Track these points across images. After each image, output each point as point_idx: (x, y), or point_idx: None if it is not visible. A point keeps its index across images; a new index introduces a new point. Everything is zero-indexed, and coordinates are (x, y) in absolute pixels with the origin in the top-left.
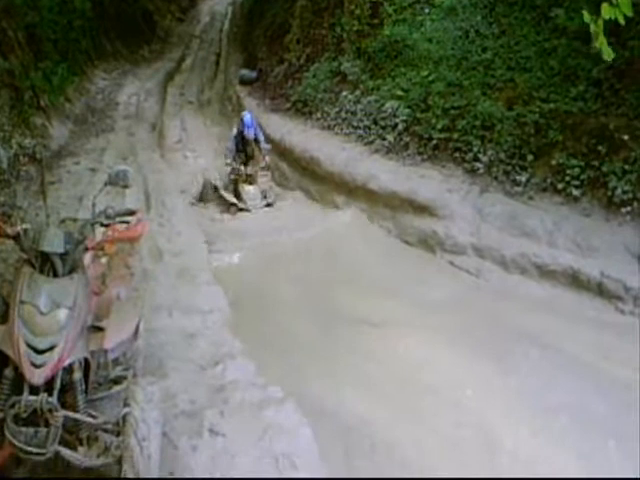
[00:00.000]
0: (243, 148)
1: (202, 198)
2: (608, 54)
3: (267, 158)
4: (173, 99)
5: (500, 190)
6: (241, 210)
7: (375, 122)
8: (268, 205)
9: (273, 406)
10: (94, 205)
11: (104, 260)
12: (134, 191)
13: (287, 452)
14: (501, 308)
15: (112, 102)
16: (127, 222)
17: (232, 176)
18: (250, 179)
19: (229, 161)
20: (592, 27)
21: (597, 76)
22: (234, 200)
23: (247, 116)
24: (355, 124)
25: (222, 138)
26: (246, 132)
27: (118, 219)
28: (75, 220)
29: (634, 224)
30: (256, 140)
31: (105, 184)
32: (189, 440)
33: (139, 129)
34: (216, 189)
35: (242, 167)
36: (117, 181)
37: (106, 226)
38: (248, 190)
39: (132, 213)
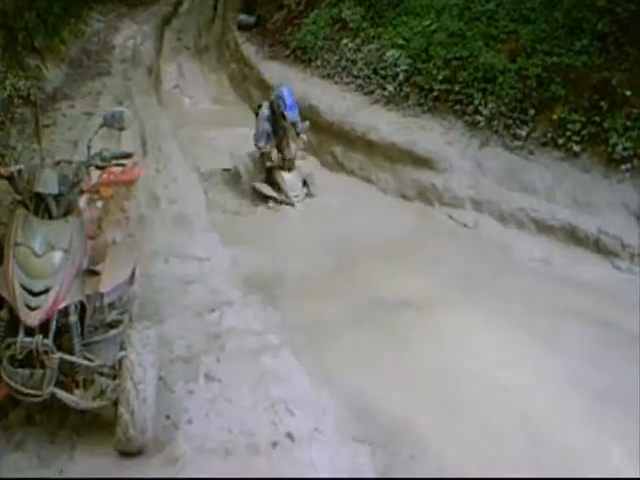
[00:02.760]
0: (275, 130)
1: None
2: None
3: (304, 137)
4: (170, 44)
5: (500, 144)
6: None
7: (375, 71)
8: (308, 195)
9: (270, 353)
10: (89, 147)
11: (100, 204)
12: (130, 136)
13: (283, 398)
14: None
15: (108, 45)
16: (123, 165)
17: (268, 163)
18: (289, 164)
19: (262, 144)
20: None
21: (602, 30)
22: (272, 193)
23: (285, 92)
24: (355, 73)
25: (220, 84)
26: (288, 113)
27: (114, 162)
28: (70, 162)
29: (633, 181)
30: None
31: (101, 125)
32: (185, 384)
33: (135, 73)
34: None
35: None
36: (113, 123)
37: (101, 169)
38: (288, 179)
39: (128, 156)
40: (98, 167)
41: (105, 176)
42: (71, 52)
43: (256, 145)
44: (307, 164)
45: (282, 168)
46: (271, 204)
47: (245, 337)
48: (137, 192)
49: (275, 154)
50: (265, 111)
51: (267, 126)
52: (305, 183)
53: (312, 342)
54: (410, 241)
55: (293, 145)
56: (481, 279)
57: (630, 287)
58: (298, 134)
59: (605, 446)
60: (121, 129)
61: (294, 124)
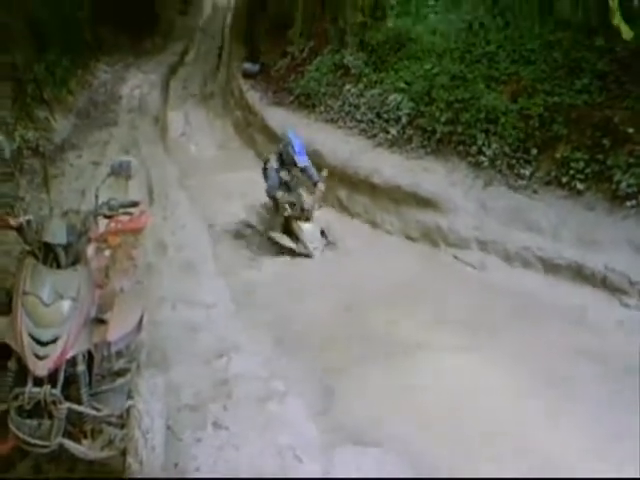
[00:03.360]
0: (284, 180)
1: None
2: (627, 32)
3: (322, 185)
4: (176, 92)
5: (504, 184)
6: (292, 253)
7: (378, 115)
8: (327, 245)
9: (276, 399)
10: (97, 197)
11: (107, 252)
12: (137, 184)
13: (291, 444)
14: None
15: (115, 95)
16: (130, 214)
17: (285, 213)
18: (307, 214)
19: (280, 195)
20: (610, 2)
21: (602, 69)
22: (291, 244)
23: (293, 138)
24: (358, 117)
25: (225, 131)
26: (298, 160)
27: (121, 210)
28: (78, 212)
29: (638, 218)
30: (303, 169)
31: (108, 175)
32: (193, 432)
33: (142, 122)
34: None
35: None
36: (120, 172)
37: (109, 218)
38: (307, 229)
39: (135, 204)
40: (106, 216)
41: (113, 225)
42: (79, 103)
43: (271, 196)
44: (323, 213)
45: (299, 219)
46: (287, 256)
47: (252, 383)
48: (144, 240)
49: (295, 203)
50: (273, 163)
51: (274, 179)
52: (323, 233)
53: (318, 387)
54: (416, 284)
55: (310, 195)
56: (489, 322)
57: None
58: (315, 184)
59: None
60: (128, 178)
61: (306, 172)
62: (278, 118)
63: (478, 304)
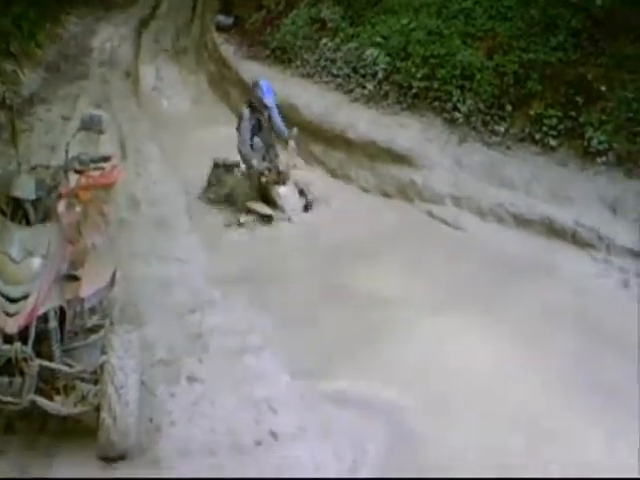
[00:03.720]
0: (258, 134)
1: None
2: None
3: (292, 143)
4: (148, 46)
5: (479, 140)
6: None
7: (355, 70)
8: (307, 207)
9: (252, 353)
10: (67, 151)
11: (78, 208)
12: (109, 139)
13: (266, 397)
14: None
15: (85, 49)
16: (101, 168)
17: (263, 179)
18: (283, 177)
19: (255, 164)
20: None
21: (576, 26)
22: (268, 211)
23: (262, 82)
24: (335, 72)
25: (199, 86)
26: (265, 98)
27: (92, 165)
28: (47, 167)
29: (609, 174)
30: (269, 117)
31: (78, 129)
32: (167, 387)
33: (113, 76)
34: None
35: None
36: (91, 126)
37: (80, 173)
38: (285, 194)
39: (106, 159)
40: (76, 171)
41: (83, 180)
42: (48, 56)
43: (243, 157)
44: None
45: (277, 183)
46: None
47: (227, 338)
48: (117, 195)
49: (268, 169)
50: (245, 111)
51: (246, 133)
52: (302, 193)
53: (293, 341)
54: (391, 242)
55: (284, 155)
56: (461, 278)
57: (606, 277)
58: (286, 141)
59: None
60: (99, 132)
61: (274, 121)
62: (253, 72)
63: (452, 261)
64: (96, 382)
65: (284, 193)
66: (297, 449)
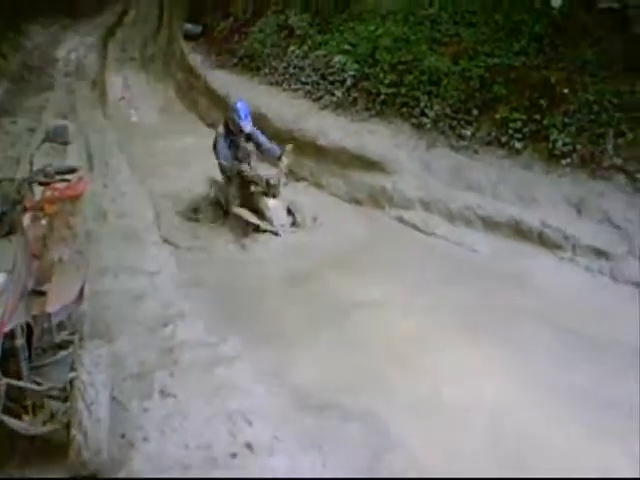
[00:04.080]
0: (234, 154)
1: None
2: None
3: (285, 159)
4: (115, 55)
5: (446, 144)
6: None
7: (323, 77)
8: (293, 224)
9: (224, 364)
10: (31, 163)
11: (44, 221)
12: (75, 151)
13: (240, 408)
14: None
15: (50, 59)
16: (67, 180)
17: (253, 188)
18: (274, 191)
19: (244, 168)
20: None
21: (539, 31)
22: (256, 220)
23: (240, 105)
24: (303, 79)
25: (166, 95)
26: (242, 124)
27: (58, 177)
28: (12, 180)
29: (573, 176)
30: (249, 138)
31: (43, 140)
32: (139, 402)
33: (80, 87)
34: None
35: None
36: (56, 137)
37: (45, 185)
38: (274, 206)
39: (72, 171)
40: (41, 183)
41: (49, 192)
42: (12, 66)
43: (227, 170)
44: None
45: (266, 194)
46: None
47: (199, 349)
48: (84, 208)
49: (262, 176)
50: (220, 130)
51: (224, 149)
52: (290, 212)
53: (266, 350)
54: (364, 248)
55: (275, 170)
56: (432, 280)
57: (572, 277)
58: (279, 157)
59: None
60: (64, 144)
61: (250, 139)
62: (221, 81)
63: (422, 264)
64: (66, 399)
65: (273, 206)
66: (273, 460)
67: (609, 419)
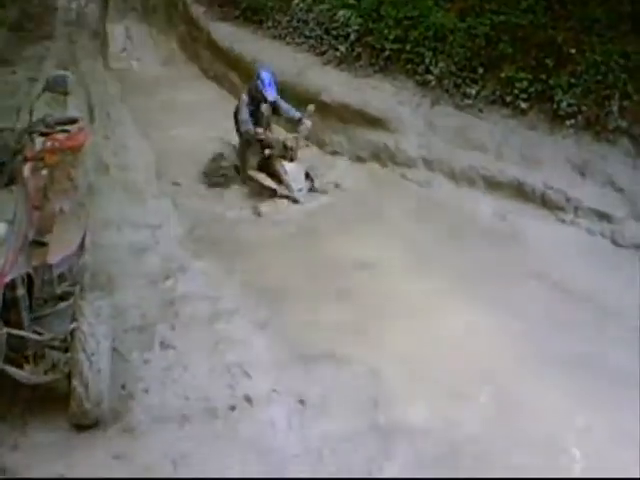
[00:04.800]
0: (255, 121)
1: (212, 178)
2: None
3: (307, 122)
4: (116, 5)
5: (450, 103)
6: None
7: (327, 32)
8: (311, 190)
9: (224, 318)
10: (31, 113)
11: (45, 172)
12: (76, 102)
13: (239, 361)
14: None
15: (50, 7)
16: (67, 131)
17: (268, 152)
18: (291, 154)
19: (259, 131)
20: None
21: None
22: (272, 184)
23: (264, 73)
24: (307, 33)
25: (169, 47)
26: (267, 92)
27: (58, 128)
28: (12, 130)
29: (577, 137)
30: (275, 107)
31: (43, 90)
32: (140, 354)
33: (80, 37)
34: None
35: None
36: (56, 87)
37: (45, 135)
38: (291, 169)
39: (73, 121)
40: (42, 134)
41: (49, 143)
42: (11, 15)
43: (245, 133)
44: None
45: (283, 157)
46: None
47: (200, 303)
48: (85, 159)
49: (278, 138)
50: (244, 97)
51: (245, 114)
52: (308, 176)
53: (267, 305)
54: (367, 206)
55: (294, 134)
56: (432, 239)
57: (574, 239)
58: (300, 120)
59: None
60: (65, 93)
61: (281, 109)
62: (224, 33)
63: (424, 224)
64: (66, 350)
65: (291, 169)
66: (272, 412)
67: (596, 382)
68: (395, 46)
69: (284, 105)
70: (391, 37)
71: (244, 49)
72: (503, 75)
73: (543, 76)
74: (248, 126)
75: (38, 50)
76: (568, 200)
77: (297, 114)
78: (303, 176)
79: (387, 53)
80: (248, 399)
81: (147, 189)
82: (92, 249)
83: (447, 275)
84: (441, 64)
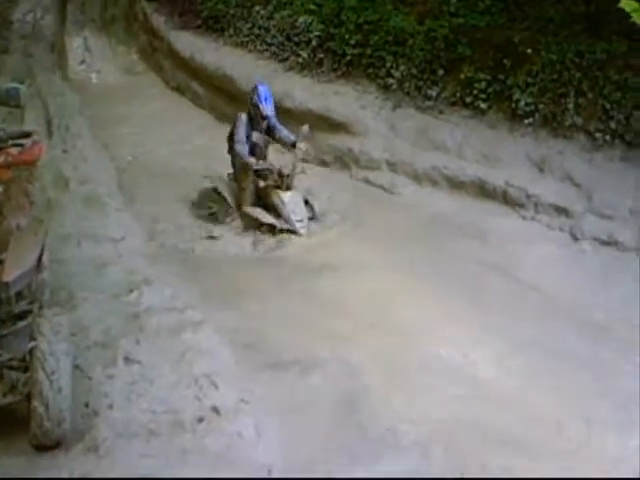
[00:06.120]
0: (251, 145)
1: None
2: None
3: (302, 145)
4: (74, 17)
5: (412, 105)
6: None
7: (289, 38)
8: (312, 218)
9: (190, 329)
10: None
11: (0, 188)
12: (33, 116)
13: (207, 372)
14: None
15: (5, 21)
16: (21, 145)
17: (262, 184)
18: (287, 182)
19: (254, 161)
20: None
21: None
22: (271, 220)
23: (261, 87)
24: (269, 40)
25: (129, 58)
26: (263, 106)
27: (11, 142)
28: None
29: (535, 135)
30: (269, 127)
31: None
32: (104, 370)
33: (37, 49)
34: (218, 193)
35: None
36: (8, 100)
37: None
38: (289, 200)
39: (27, 135)
40: None
41: (2, 157)
42: None
43: (240, 157)
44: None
45: (279, 188)
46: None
47: (165, 315)
48: (42, 174)
49: (274, 169)
50: (243, 117)
51: (242, 135)
52: (307, 203)
53: (234, 313)
54: (334, 209)
55: (290, 158)
56: (399, 239)
57: (534, 234)
58: (294, 144)
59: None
60: (17, 106)
61: (275, 128)
62: (185, 42)
63: (388, 224)
64: (26, 370)
65: (288, 200)
66: (240, 423)
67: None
68: (356, 51)
69: (278, 126)
70: (352, 42)
71: (206, 58)
72: (463, 76)
73: (501, 76)
74: (244, 151)
75: None
76: (528, 197)
77: (291, 138)
78: (303, 205)
79: (349, 58)
80: (216, 410)
81: (108, 202)
82: (53, 265)
83: (409, 271)
84: (402, 67)
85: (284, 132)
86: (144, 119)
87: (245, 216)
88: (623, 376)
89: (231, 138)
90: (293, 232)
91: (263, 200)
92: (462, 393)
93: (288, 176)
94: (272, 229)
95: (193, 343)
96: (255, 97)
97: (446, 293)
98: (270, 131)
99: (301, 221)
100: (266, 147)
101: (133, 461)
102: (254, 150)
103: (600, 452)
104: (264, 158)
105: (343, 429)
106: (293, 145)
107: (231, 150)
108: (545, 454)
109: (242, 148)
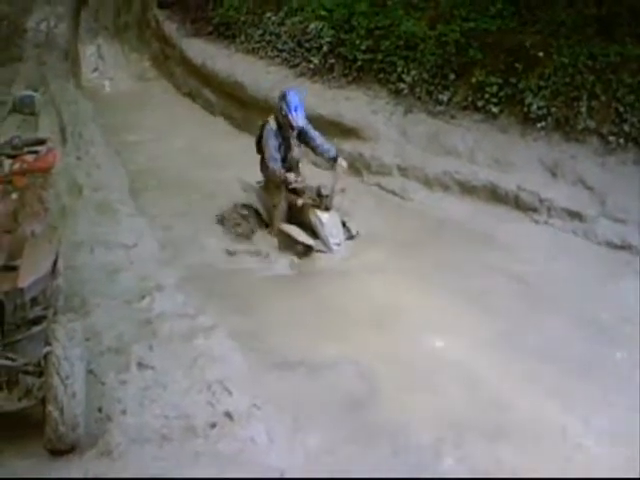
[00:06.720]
0: (283, 158)
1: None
2: None
3: (343, 162)
4: (87, 25)
5: (423, 110)
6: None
7: (300, 44)
8: (350, 238)
9: (203, 335)
10: None
11: (15, 195)
12: (47, 123)
13: (219, 378)
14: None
15: (19, 29)
16: (36, 152)
17: (300, 202)
18: (326, 202)
19: (292, 178)
20: None
21: None
22: (307, 240)
23: (291, 94)
24: (280, 47)
25: (142, 65)
26: (293, 117)
27: (26, 149)
28: None
29: (548, 139)
30: (301, 135)
31: (9, 111)
32: (117, 375)
33: (51, 58)
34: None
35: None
36: (23, 108)
37: (13, 157)
38: (327, 221)
39: (42, 142)
40: (9, 156)
41: (17, 165)
42: None
43: (273, 174)
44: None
45: (318, 207)
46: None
47: (177, 321)
48: (56, 181)
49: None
50: (272, 124)
51: (274, 149)
52: (344, 225)
53: (245, 319)
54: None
55: (330, 176)
56: (410, 243)
57: (547, 239)
58: (335, 159)
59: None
60: (31, 114)
61: (302, 137)
62: (197, 49)
63: (402, 229)
64: (41, 374)
65: (327, 221)
66: (253, 428)
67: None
68: (367, 56)
69: (315, 135)
70: (363, 47)
71: (217, 65)
72: (474, 80)
73: (513, 80)
74: (277, 167)
75: (7, 73)
76: (541, 201)
77: (332, 151)
78: (340, 227)
79: (360, 63)
80: (229, 415)
81: (121, 208)
82: (66, 272)
83: (420, 276)
84: (413, 72)
85: (324, 146)
86: (156, 126)
87: (280, 233)
88: (629, 382)
89: (259, 142)
90: (327, 252)
91: (297, 217)
92: (469, 394)
93: (327, 196)
94: (308, 249)
95: (205, 349)
96: (284, 106)
97: (456, 297)
98: (304, 141)
99: (339, 244)
100: (298, 162)
101: (145, 465)
102: (289, 163)
103: (600, 452)
104: (298, 172)
105: (354, 432)
106: (334, 159)
107: (259, 153)
108: (545, 454)
109: (275, 163)
